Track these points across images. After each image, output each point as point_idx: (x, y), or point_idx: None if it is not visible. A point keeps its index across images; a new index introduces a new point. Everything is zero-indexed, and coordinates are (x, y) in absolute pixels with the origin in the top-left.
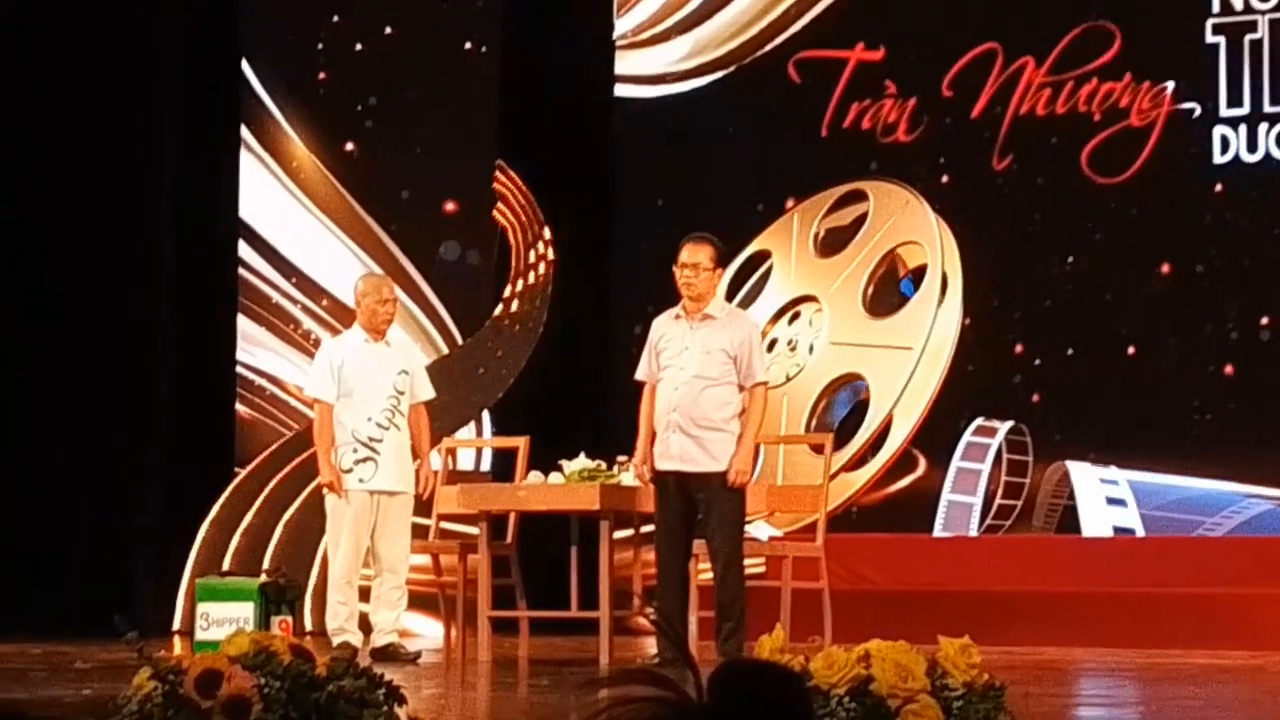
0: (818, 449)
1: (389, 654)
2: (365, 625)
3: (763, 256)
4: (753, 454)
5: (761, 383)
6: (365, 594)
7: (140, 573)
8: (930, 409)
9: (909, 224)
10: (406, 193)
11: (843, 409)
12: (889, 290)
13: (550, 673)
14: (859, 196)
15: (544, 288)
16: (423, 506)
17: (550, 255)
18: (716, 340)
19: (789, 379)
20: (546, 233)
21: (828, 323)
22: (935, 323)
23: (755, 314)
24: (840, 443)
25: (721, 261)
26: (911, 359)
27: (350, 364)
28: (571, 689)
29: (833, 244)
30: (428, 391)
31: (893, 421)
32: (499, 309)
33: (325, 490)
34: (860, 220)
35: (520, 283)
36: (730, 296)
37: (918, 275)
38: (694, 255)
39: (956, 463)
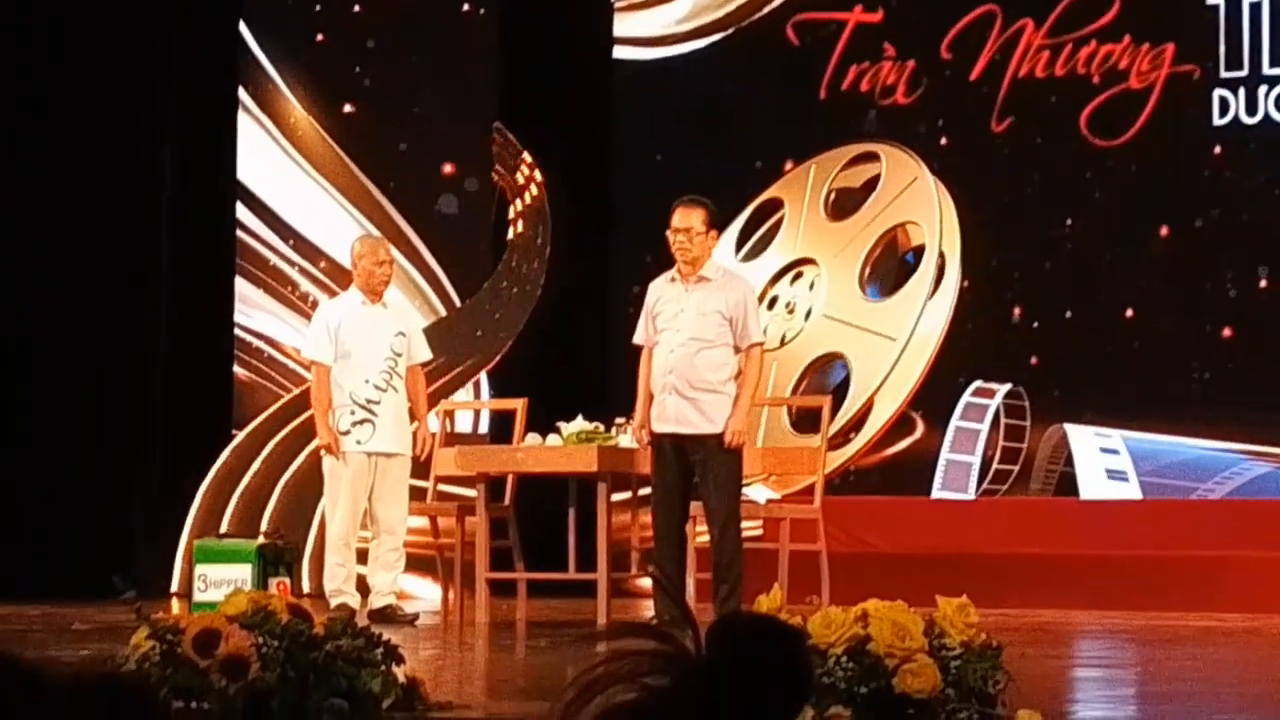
0: (799, 424)
1: (387, 615)
2: (363, 587)
3: (775, 205)
4: (748, 415)
5: (757, 344)
6: (363, 556)
7: (138, 535)
8: (928, 372)
9: (914, 202)
10: (404, 154)
11: (839, 374)
12: (884, 270)
13: (548, 634)
14: (871, 157)
15: (541, 252)
16: (420, 468)
17: (538, 176)
18: (712, 302)
19: (784, 342)
20: (537, 175)
21: (825, 291)
22: (922, 315)
23: (760, 266)
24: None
25: (714, 224)
26: (895, 350)
27: (347, 326)
28: (569, 645)
29: (842, 207)
30: (425, 353)
31: (873, 406)
32: (497, 270)
33: (323, 452)
34: (870, 185)
35: (519, 246)
36: (741, 243)
37: (917, 253)
38: (686, 219)
39: (955, 422)
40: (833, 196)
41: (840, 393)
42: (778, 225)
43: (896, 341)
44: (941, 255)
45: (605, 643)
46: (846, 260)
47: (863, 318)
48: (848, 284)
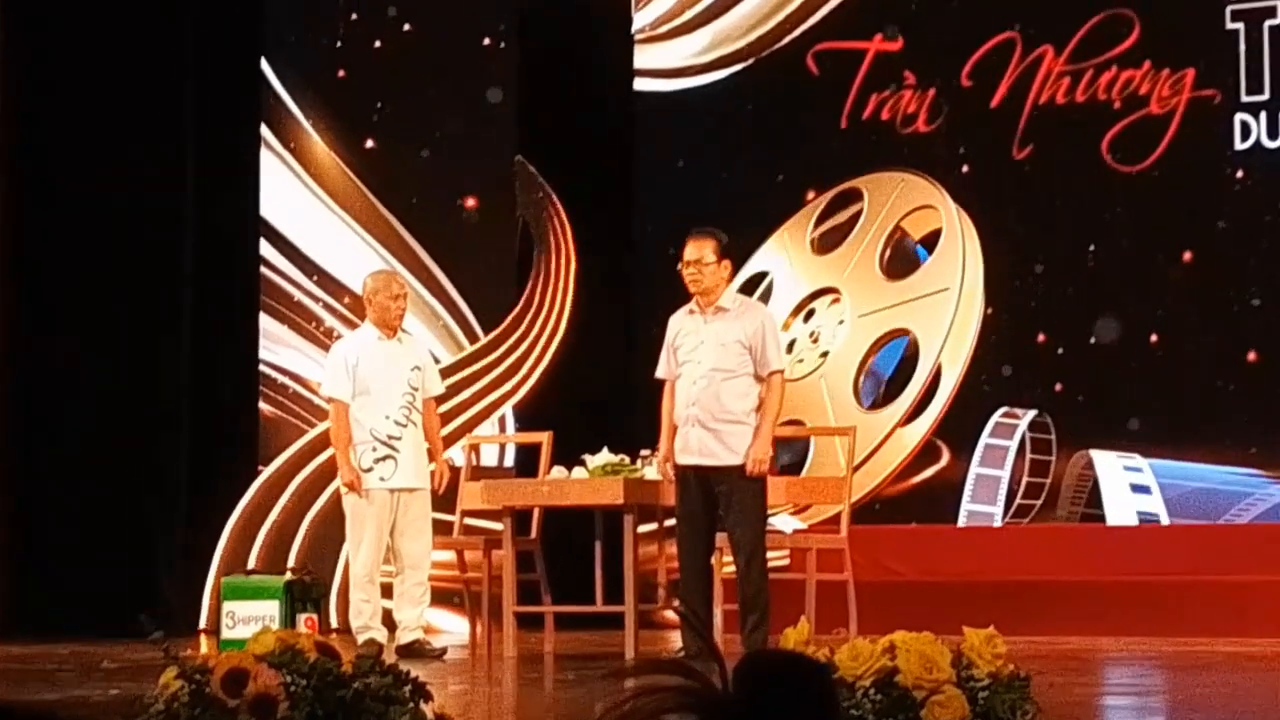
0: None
1: (414, 651)
2: (389, 622)
3: (856, 195)
4: (771, 443)
5: (778, 371)
6: (387, 591)
7: (166, 572)
8: (952, 400)
9: (931, 314)
10: (426, 189)
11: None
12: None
13: (576, 667)
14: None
15: (565, 284)
16: (443, 502)
17: (560, 208)
18: (731, 332)
19: (816, 370)
20: (568, 232)
21: (842, 342)
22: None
23: (823, 266)
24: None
25: (726, 254)
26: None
27: (365, 362)
28: (597, 679)
29: (892, 267)
30: (438, 387)
31: (942, 369)
32: (520, 304)
33: (343, 490)
34: (928, 243)
35: (542, 279)
36: (820, 223)
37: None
38: (697, 251)
39: (985, 439)
40: (889, 252)
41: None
42: (854, 219)
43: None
44: (938, 367)
45: (632, 679)
46: (861, 267)
47: (904, 292)
48: (870, 282)
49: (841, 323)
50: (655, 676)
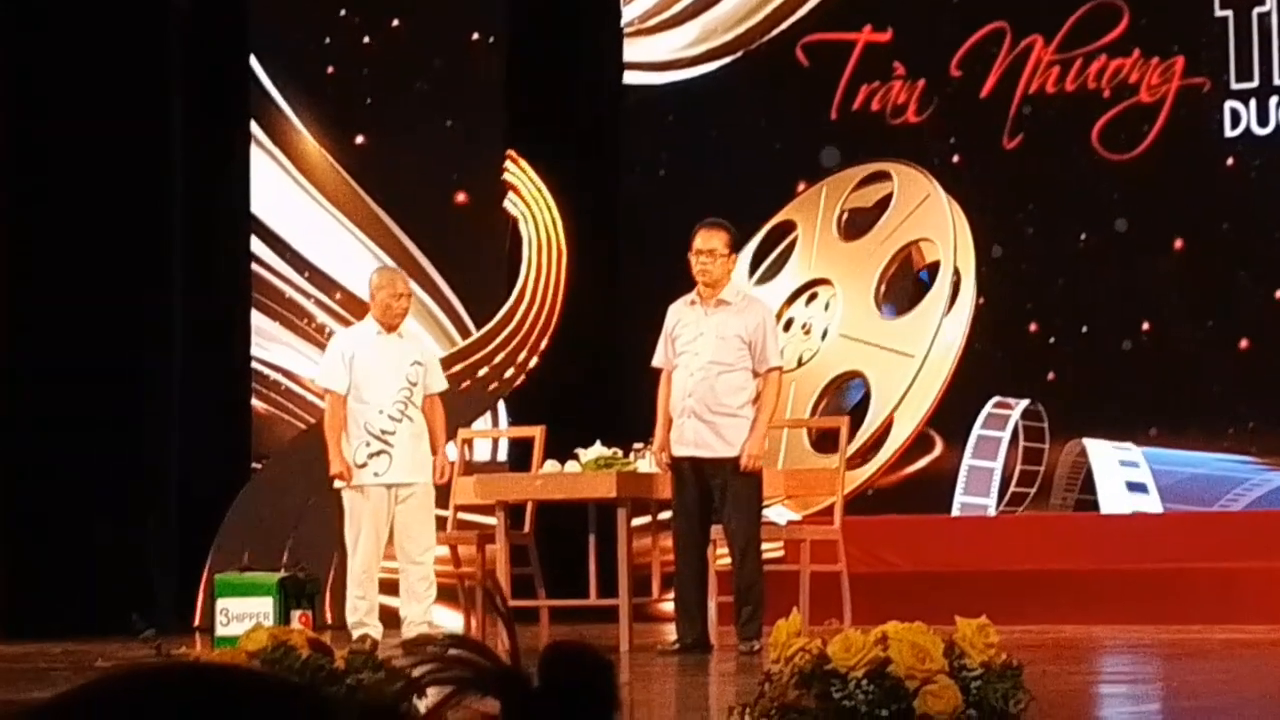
0: (819, 444)
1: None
2: (393, 618)
3: (788, 228)
4: (766, 437)
5: (776, 367)
6: (389, 587)
7: (160, 569)
8: (945, 390)
9: (927, 220)
10: (417, 185)
11: (856, 394)
12: (899, 288)
13: None
14: (883, 176)
15: (557, 278)
16: (440, 497)
17: (550, 202)
18: (731, 326)
19: (802, 363)
20: (559, 226)
21: (841, 311)
22: (939, 332)
23: (774, 289)
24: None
25: (735, 247)
26: (913, 366)
27: (362, 356)
28: (396, 649)
29: (855, 226)
30: (441, 383)
31: (893, 424)
32: (512, 298)
33: (338, 484)
34: (883, 204)
35: (533, 273)
36: (754, 267)
37: (932, 271)
38: (709, 241)
39: (977, 431)
40: (845, 216)
41: (859, 411)
42: (791, 247)
43: (914, 358)
44: (956, 272)
45: (429, 652)
46: (861, 279)
47: (880, 336)
48: (863, 303)
49: (829, 305)
50: (450, 650)
